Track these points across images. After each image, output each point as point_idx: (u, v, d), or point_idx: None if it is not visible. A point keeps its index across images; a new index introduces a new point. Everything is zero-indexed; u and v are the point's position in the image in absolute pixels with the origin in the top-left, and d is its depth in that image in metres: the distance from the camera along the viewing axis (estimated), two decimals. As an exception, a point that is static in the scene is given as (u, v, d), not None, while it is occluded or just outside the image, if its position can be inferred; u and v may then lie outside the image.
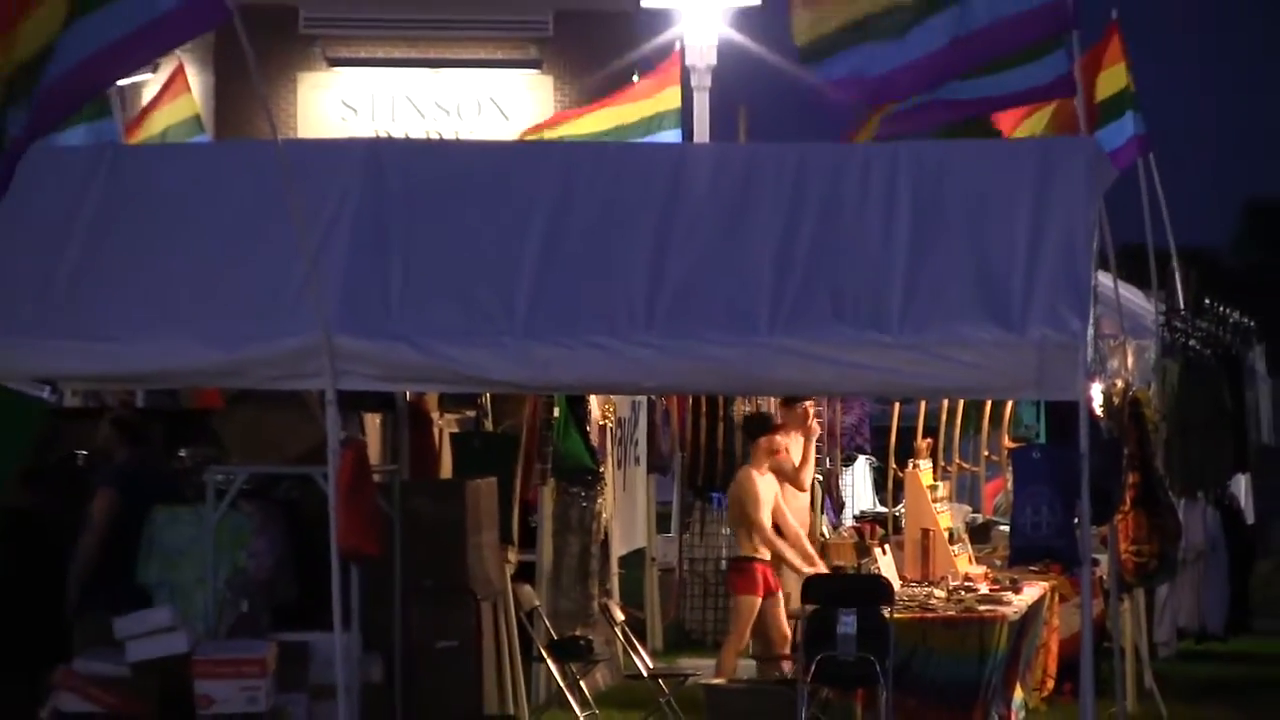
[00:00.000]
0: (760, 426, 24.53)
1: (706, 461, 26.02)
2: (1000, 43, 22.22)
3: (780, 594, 24.41)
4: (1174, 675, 25.91)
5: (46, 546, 19.93)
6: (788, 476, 25.13)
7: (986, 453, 29.39)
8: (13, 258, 19.52)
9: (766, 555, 24.11)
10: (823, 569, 24.30)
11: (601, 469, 25.50)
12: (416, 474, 21.49)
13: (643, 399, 25.79)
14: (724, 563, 26.23)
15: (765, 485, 24.09)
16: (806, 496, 25.24)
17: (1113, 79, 26.13)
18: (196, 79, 30.68)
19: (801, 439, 24.78)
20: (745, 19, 44.39)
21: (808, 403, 25.12)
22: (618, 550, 26.31)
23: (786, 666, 23.61)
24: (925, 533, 25.87)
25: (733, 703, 22.34)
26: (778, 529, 24.53)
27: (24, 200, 19.36)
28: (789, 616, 24.31)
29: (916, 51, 22.15)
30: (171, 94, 28.51)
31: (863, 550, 24.94)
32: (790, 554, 24.22)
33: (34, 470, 20.25)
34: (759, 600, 24.13)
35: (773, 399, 24.90)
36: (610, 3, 49.59)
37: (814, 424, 25.56)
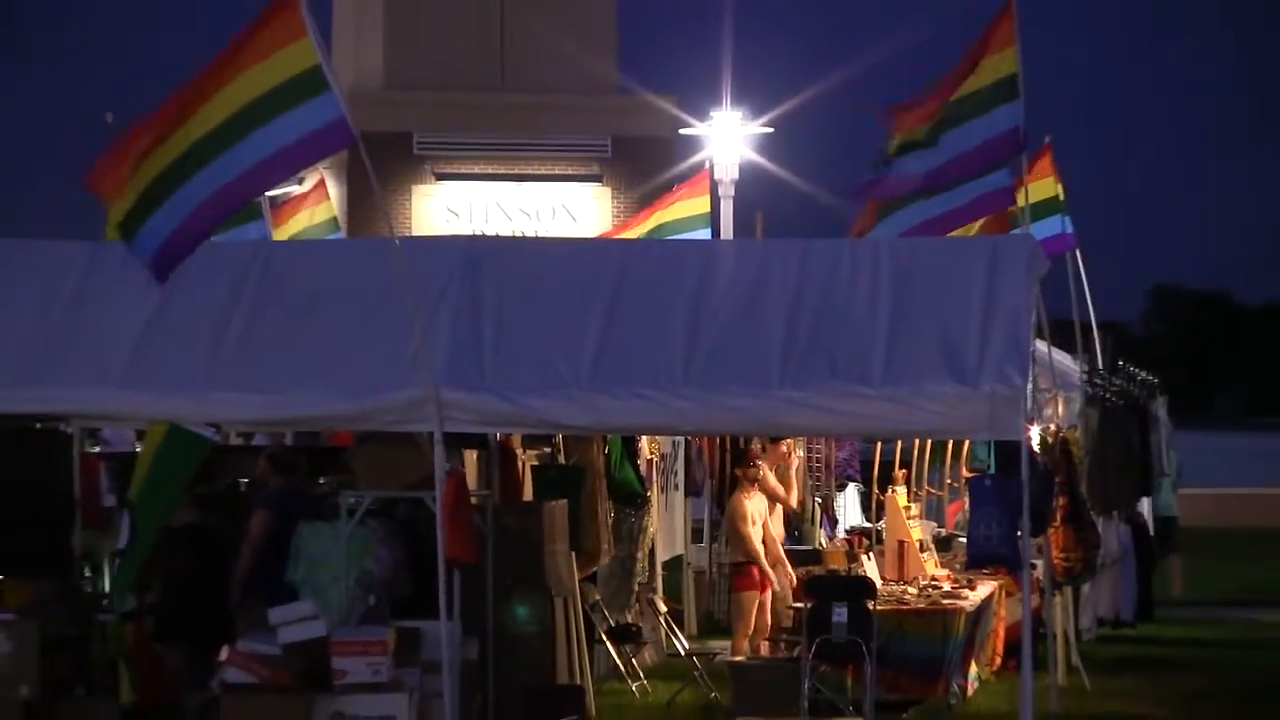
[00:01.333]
0: (739, 460, 24.66)
1: (730, 487, 25.99)
2: (963, 169, 22.36)
3: (770, 591, 24.46)
4: (1094, 654, 25.87)
5: (214, 555, 19.96)
6: (777, 498, 25.29)
7: (949, 481, 29.41)
8: (188, 328, 19.59)
9: (748, 559, 24.24)
10: (787, 571, 24.74)
11: (649, 493, 25.53)
12: (504, 498, 21.49)
13: (681, 439, 25.78)
14: (740, 567, 26.24)
15: (752, 505, 24.13)
16: (780, 520, 25.18)
17: (1044, 188, 26.23)
18: (334, 188, 30.70)
19: (782, 468, 24.78)
20: (762, 143, 44.48)
21: (787, 442, 25.14)
22: (661, 556, 26.31)
23: (765, 648, 23.71)
24: (901, 543, 25.97)
25: (751, 675, 22.34)
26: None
27: (194, 284, 19.54)
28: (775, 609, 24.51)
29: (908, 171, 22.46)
30: (315, 199, 28.61)
31: (852, 557, 24.96)
32: (763, 562, 24.35)
33: (204, 495, 20.30)
34: (757, 595, 24.20)
35: (766, 445, 24.89)
36: (655, 130, 49.46)
37: (791, 458, 25.57)
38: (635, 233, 31.15)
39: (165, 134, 17.90)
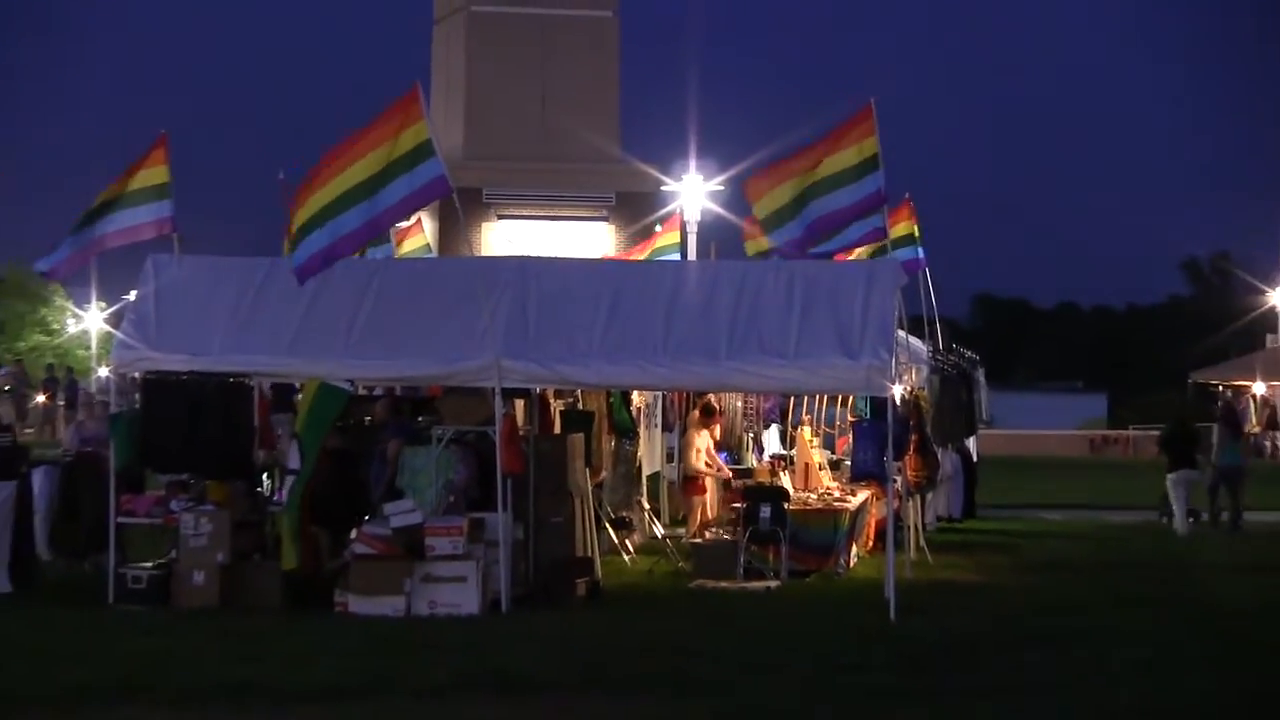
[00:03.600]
0: (699, 408, 24.64)
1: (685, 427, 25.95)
2: (845, 218, 22.36)
3: (708, 495, 24.50)
4: (934, 540, 25.77)
5: (351, 467, 19.90)
6: (723, 437, 25.51)
7: (839, 423, 29.28)
8: (332, 315, 19.57)
9: (702, 471, 24.27)
10: (727, 475, 24.97)
11: (638, 429, 25.46)
12: (541, 431, 21.42)
13: (660, 393, 25.72)
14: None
15: (700, 440, 24.15)
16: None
17: (904, 228, 26.25)
18: (427, 224, 30.63)
19: (712, 424, 24.71)
20: (717, 197, 44.55)
21: (717, 408, 25.14)
22: (646, 472, 26.20)
23: (707, 534, 23.70)
24: (806, 465, 25.84)
25: (705, 551, 22.25)
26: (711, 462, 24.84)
27: (337, 285, 19.64)
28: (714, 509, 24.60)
29: (807, 221, 22.31)
30: (414, 231, 28.55)
31: (773, 474, 24.83)
32: (711, 473, 24.36)
33: (342, 428, 20.23)
34: (701, 498, 24.23)
35: (712, 396, 24.80)
36: (643, 188, 49.40)
37: (721, 420, 25.59)
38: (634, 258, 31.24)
39: (324, 180, 18.72)
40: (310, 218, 18.54)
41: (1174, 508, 30.30)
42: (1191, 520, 30.21)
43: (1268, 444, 53.34)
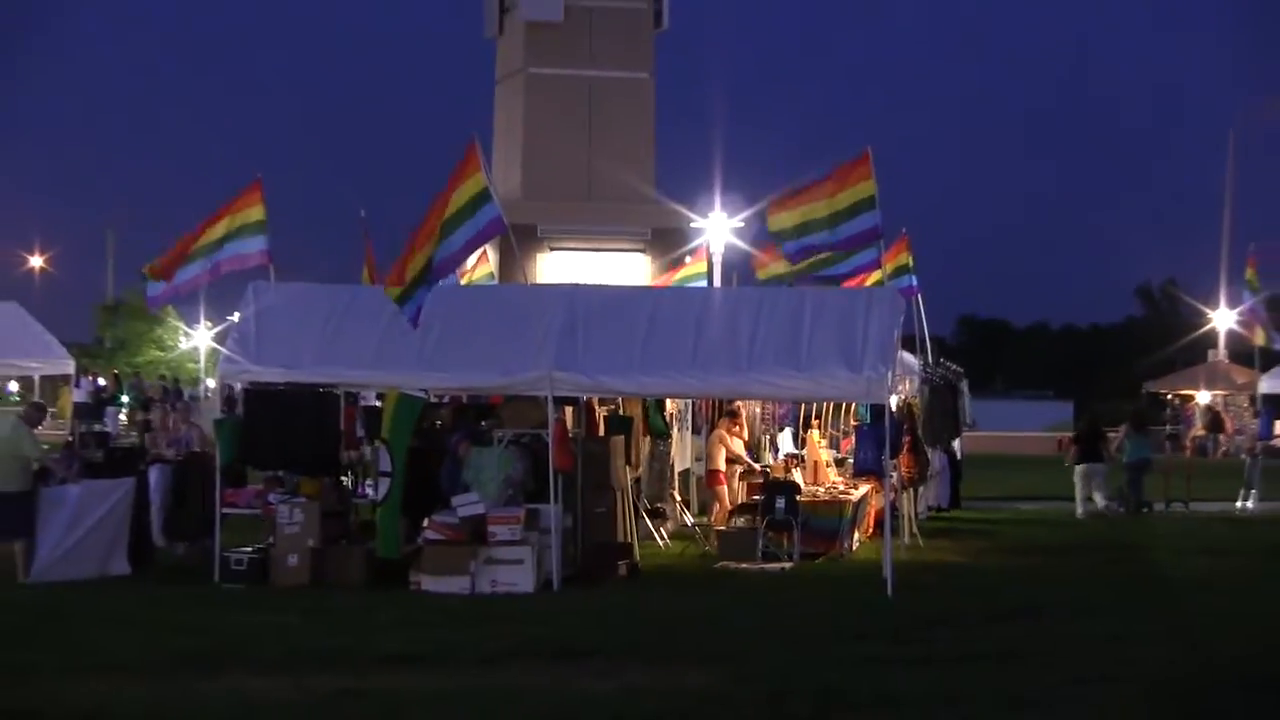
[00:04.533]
0: (722, 413, 24.50)
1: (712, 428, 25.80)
2: (851, 244, 22.45)
3: (726, 485, 24.32)
4: (925, 527, 25.64)
5: (425, 465, 19.79)
6: (747, 437, 25.29)
7: (844, 426, 29.11)
8: (408, 335, 19.45)
9: (723, 468, 24.06)
10: (754, 467, 24.80)
11: (671, 432, 25.32)
12: (588, 433, 21.34)
13: (689, 400, 25.58)
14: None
15: (722, 437, 24.06)
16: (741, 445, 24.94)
17: (900, 259, 26.11)
18: (491, 255, 30.51)
19: (740, 427, 24.55)
20: (739, 232, 44.34)
21: (744, 413, 25.02)
22: (678, 469, 26.06)
23: (728, 521, 23.60)
24: (815, 462, 25.75)
25: (729, 537, 22.15)
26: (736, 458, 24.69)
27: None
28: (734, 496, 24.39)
29: (804, 244, 22.54)
30: (480, 262, 28.44)
31: (787, 470, 24.70)
32: (737, 468, 24.23)
33: (421, 430, 20.18)
34: (723, 489, 24.06)
35: (738, 403, 24.73)
36: (675, 224, 49.14)
37: (743, 422, 25.47)
38: (669, 282, 31.20)
39: (421, 246, 18.90)
40: (413, 279, 18.76)
41: (1077, 494, 30.35)
42: (1147, 509, 30.09)
43: (1210, 444, 52.98)
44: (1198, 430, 53.34)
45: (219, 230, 21.74)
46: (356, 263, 23.73)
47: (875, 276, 23.67)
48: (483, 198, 19.19)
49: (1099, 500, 30.32)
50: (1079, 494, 30.35)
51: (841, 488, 24.43)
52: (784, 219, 22.76)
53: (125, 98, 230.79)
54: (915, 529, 24.74)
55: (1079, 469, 30.49)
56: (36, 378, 36.12)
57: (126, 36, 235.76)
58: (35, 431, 20.26)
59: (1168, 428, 55.42)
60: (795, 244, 22.75)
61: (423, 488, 19.85)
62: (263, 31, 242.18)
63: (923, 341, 27.33)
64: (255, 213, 21.78)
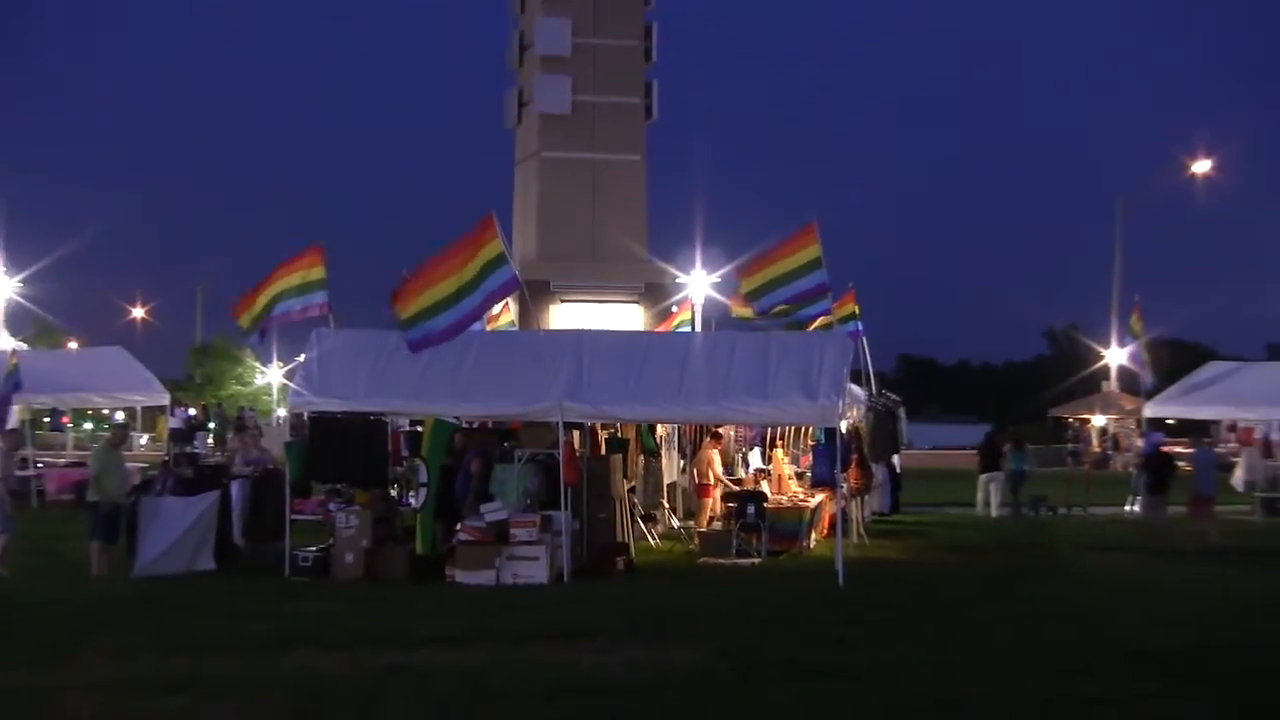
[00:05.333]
0: (708, 435, 24.41)
1: (698, 448, 25.73)
2: (804, 298, 22.56)
3: (711, 497, 24.20)
4: (871, 529, 25.62)
5: (456, 476, 19.82)
6: (724, 455, 25.21)
7: (803, 445, 29.08)
8: (443, 371, 19.49)
9: (710, 482, 23.96)
10: (731, 488, 24.30)
11: (660, 451, 25.31)
12: (592, 452, 21.32)
13: (675, 425, 25.53)
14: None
15: (712, 456, 23.99)
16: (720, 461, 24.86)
17: (847, 308, 26.14)
18: (513, 306, 30.51)
19: (719, 445, 24.46)
20: (716, 287, 44.27)
21: (722, 434, 24.94)
22: (666, 481, 26.02)
23: (711, 525, 23.47)
24: (779, 476, 25.67)
25: (708, 538, 22.06)
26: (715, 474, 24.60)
27: (446, 351, 19.52)
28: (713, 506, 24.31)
29: (769, 299, 22.71)
30: (503, 311, 28.45)
31: (756, 483, 24.64)
32: (718, 482, 24.12)
33: (451, 450, 20.18)
34: (708, 500, 23.97)
35: (720, 427, 24.64)
36: (663, 280, 49.14)
37: (724, 443, 25.36)
38: (660, 331, 31.25)
39: (426, 285, 18.71)
40: (418, 311, 18.58)
41: (978, 497, 31.32)
42: (1030, 512, 30.31)
43: (1114, 458, 52.86)
44: (1094, 447, 53.38)
45: (293, 280, 21.75)
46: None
47: (827, 321, 23.80)
48: (498, 261, 18.90)
49: (994, 501, 30.93)
50: (979, 497, 31.31)
51: (801, 496, 24.33)
52: (753, 281, 22.89)
53: (215, 178, 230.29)
54: (862, 530, 24.70)
55: (982, 477, 31.36)
56: (139, 409, 36.36)
57: (214, 137, 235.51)
58: (132, 450, 20.31)
59: (1069, 445, 55.54)
60: (761, 302, 22.87)
61: (453, 497, 19.90)
62: (341, 135, 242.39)
63: (867, 375, 27.30)
64: (317, 271, 21.80)
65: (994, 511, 30.66)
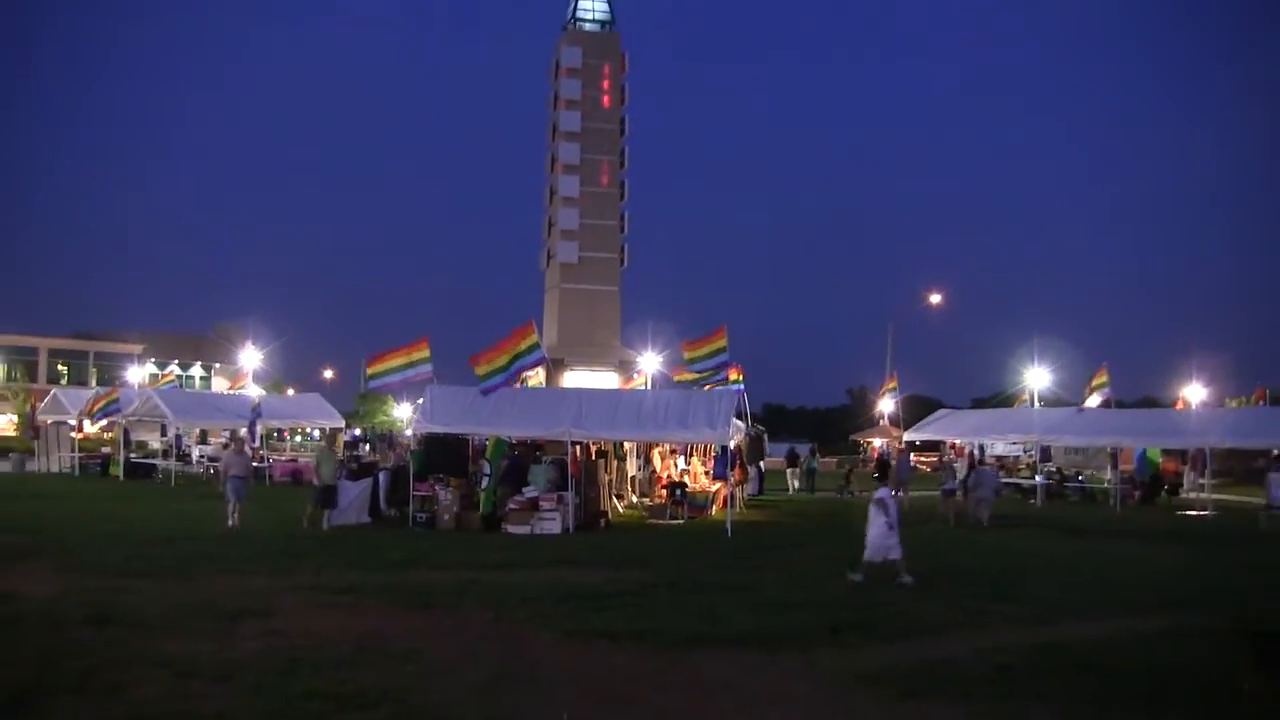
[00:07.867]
0: (653, 449, 24.07)
1: (649, 458, 25.55)
2: (713, 370, 22.50)
3: (663, 485, 23.93)
4: (748, 504, 25.39)
5: (507, 471, 19.58)
6: (664, 462, 25.01)
7: (710, 456, 28.87)
8: (501, 410, 19.34)
9: (663, 477, 23.80)
10: (670, 479, 24.05)
11: (626, 457, 25.03)
12: (587, 457, 21.07)
13: (636, 442, 25.31)
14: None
15: (669, 462, 23.74)
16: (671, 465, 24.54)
17: (736, 376, 25.88)
18: (541, 373, 30.42)
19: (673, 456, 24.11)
20: (661, 362, 44.35)
21: (660, 448, 24.49)
22: (629, 474, 25.69)
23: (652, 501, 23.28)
24: (695, 473, 25.25)
25: (654, 509, 21.82)
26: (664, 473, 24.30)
27: (500, 397, 19.31)
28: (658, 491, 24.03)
29: (697, 368, 22.51)
30: (535, 376, 28.06)
31: (682, 477, 24.41)
32: (663, 475, 23.76)
33: (505, 455, 19.96)
34: (661, 488, 23.70)
35: (676, 444, 24.32)
36: (630, 358, 49.03)
37: (666, 455, 24.98)
38: (629, 389, 31.05)
39: (494, 356, 18.57)
40: (488, 371, 18.48)
41: (790, 484, 31.65)
42: (851, 495, 29.90)
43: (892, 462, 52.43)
44: (873, 456, 53.25)
45: (414, 356, 21.37)
46: (472, 376, 23.39)
47: (723, 384, 23.83)
48: (533, 346, 18.85)
49: (794, 485, 31.37)
50: (790, 484, 31.72)
51: (707, 485, 24.26)
52: (691, 353, 22.84)
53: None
54: (742, 505, 24.49)
55: (788, 471, 32.34)
56: (328, 429, 36.16)
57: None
58: (337, 454, 19.79)
59: (860, 455, 55.57)
60: (693, 365, 22.72)
61: (503, 483, 19.71)
62: (423, 277, 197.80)
63: (746, 414, 27.25)
64: (423, 351, 21.47)
65: (790, 492, 30.88)
